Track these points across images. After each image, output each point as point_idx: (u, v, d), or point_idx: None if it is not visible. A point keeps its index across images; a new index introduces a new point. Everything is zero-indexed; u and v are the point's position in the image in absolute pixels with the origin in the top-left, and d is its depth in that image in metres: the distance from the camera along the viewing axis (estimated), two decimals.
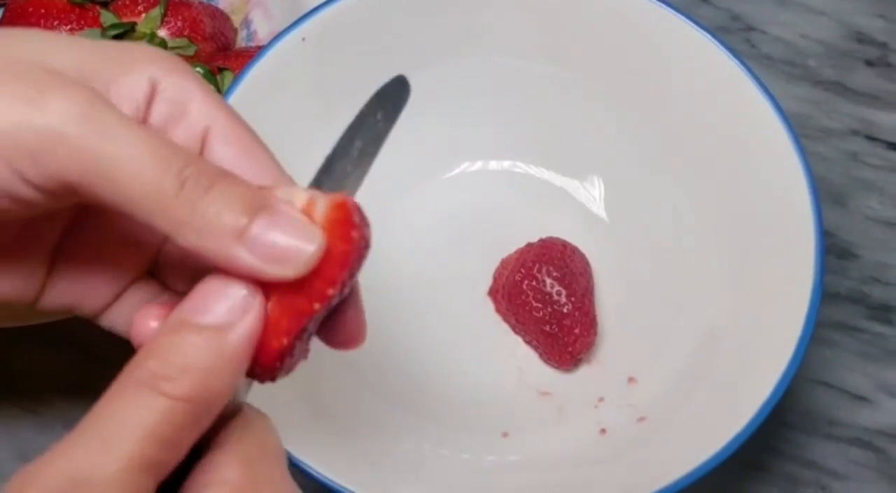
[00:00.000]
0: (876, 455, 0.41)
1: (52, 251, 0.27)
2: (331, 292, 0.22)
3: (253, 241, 0.22)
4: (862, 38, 0.51)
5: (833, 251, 0.45)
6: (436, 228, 0.43)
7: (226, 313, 0.22)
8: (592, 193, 0.43)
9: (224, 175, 0.23)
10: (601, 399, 0.39)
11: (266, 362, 0.23)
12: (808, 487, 0.41)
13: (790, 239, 0.35)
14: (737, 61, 0.37)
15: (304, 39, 0.39)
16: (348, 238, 0.22)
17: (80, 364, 0.44)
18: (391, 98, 0.26)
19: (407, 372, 0.40)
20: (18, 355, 0.44)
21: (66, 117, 0.22)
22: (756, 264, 0.37)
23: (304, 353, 0.24)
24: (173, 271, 0.28)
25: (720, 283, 0.38)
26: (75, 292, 0.27)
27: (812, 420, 0.42)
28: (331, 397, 0.37)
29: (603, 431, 0.37)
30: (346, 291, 0.23)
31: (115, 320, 0.28)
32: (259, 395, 0.25)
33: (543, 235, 0.41)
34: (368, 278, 0.41)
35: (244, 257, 0.22)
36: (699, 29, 0.38)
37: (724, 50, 0.37)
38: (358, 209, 0.23)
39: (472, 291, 0.42)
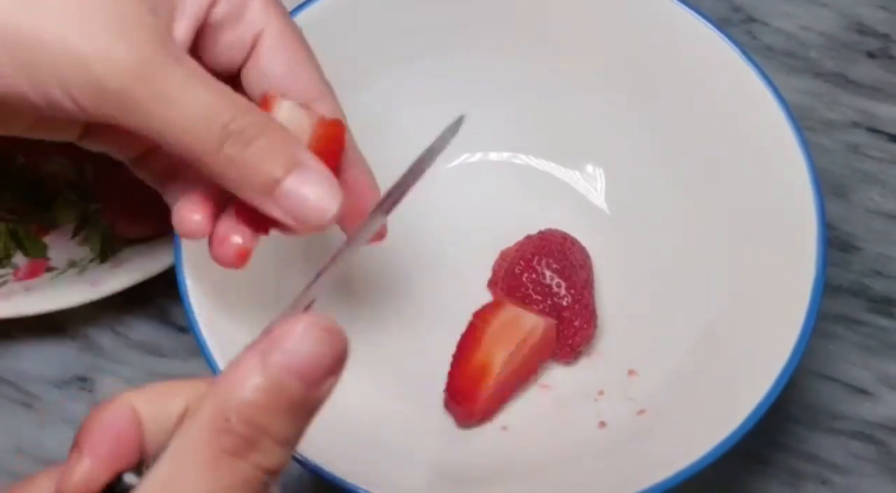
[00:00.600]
0: (877, 449, 0.41)
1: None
2: None
3: (281, 197, 0.24)
4: (863, 30, 0.51)
5: (834, 244, 0.45)
6: (435, 219, 0.42)
7: (324, 376, 0.21)
8: (593, 185, 0.42)
9: (265, 129, 0.25)
10: (601, 392, 0.38)
11: None
12: (809, 480, 0.41)
13: (792, 231, 0.35)
14: (739, 52, 0.37)
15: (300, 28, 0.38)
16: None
17: (78, 357, 0.44)
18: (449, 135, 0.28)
19: (405, 365, 0.40)
20: (15, 348, 0.44)
21: (129, 70, 0.23)
22: (758, 256, 0.37)
23: None
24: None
25: (721, 275, 0.38)
26: (110, 145, 0.29)
27: (813, 414, 0.42)
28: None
29: (602, 424, 0.37)
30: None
31: (148, 169, 0.30)
32: None
33: (543, 227, 0.41)
34: (366, 270, 0.42)
35: (273, 210, 0.25)
36: (701, 19, 0.38)
37: (727, 41, 0.37)
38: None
39: (471, 283, 0.41)
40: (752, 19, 0.51)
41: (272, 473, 0.21)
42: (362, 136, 0.41)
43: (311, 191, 0.24)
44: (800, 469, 0.41)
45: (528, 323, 0.37)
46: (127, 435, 0.22)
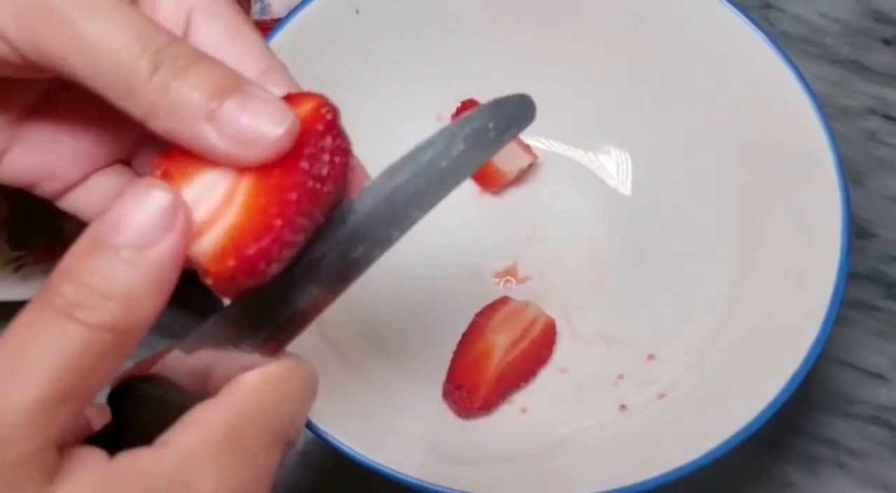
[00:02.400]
0: (892, 433, 0.41)
1: (23, 115, 0.26)
2: (305, 181, 0.21)
3: (221, 122, 0.21)
4: (879, 17, 0.51)
5: (851, 230, 0.45)
6: (448, 207, 0.42)
7: (145, 231, 0.20)
8: (612, 168, 0.42)
9: (201, 57, 0.22)
10: (621, 376, 0.38)
11: (241, 266, 0.21)
12: (826, 465, 0.41)
13: (816, 219, 0.35)
14: (765, 38, 0.37)
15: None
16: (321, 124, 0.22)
17: None
18: (509, 114, 0.24)
19: (425, 350, 0.40)
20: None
21: None
22: (780, 243, 0.37)
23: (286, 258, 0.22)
24: (149, 161, 0.26)
25: (743, 261, 0.38)
26: (40, 163, 0.26)
27: (831, 399, 0.42)
28: (355, 376, 0.37)
29: (623, 407, 0.37)
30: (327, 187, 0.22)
31: (78, 202, 0.27)
32: None
33: (561, 209, 0.41)
34: (388, 257, 0.41)
35: (213, 139, 0.21)
36: (726, 4, 0.37)
37: (752, 26, 0.37)
38: (334, 110, 0.22)
39: (486, 266, 0.41)
40: (768, 5, 0.51)
41: (118, 331, 0.20)
42: (378, 122, 0.42)
43: (254, 113, 0.21)
44: (817, 454, 0.41)
45: (531, 314, 0.38)
46: None
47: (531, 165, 0.42)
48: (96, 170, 0.27)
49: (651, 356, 0.39)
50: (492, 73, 0.42)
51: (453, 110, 0.43)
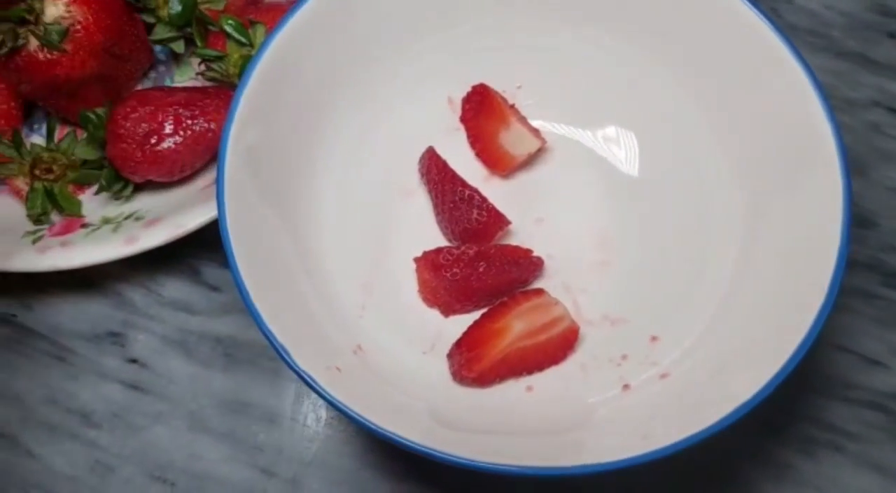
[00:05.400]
0: (888, 418, 0.42)
1: None
2: None
3: None
4: (885, 11, 0.51)
5: (853, 220, 0.46)
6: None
7: None
8: (618, 150, 0.43)
9: None
10: (624, 357, 0.39)
11: None
12: (823, 448, 0.42)
13: (817, 205, 0.36)
14: (773, 29, 0.37)
15: None
16: None
17: (111, 313, 0.45)
18: None
19: (432, 327, 0.40)
20: (50, 303, 0.45)
21: None
22: (782, 230, 0.37)
23: None
24: None
25: (745, 246, 0.38)
26: None
27: (830, 384, 0.43)
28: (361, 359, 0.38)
29: (626, 386, 0.38)
30: None
31: None
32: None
33: (569, 191, 0.41)
34: (394, 240, 0.42)
35: None
36: None
37: (761, 16, 0.37)
38: None
39: None
40: None
41: None
42: (391, 105, 0.42)
43: None
44: (815, 437, 0.42)
45: (556, 312, 0.39)
46: None
47: (540, 150, 0.43)
48: None
49: (654, 338, 0.39)
50: (501, 57, 0.43)
51: (463, 94, 0.43)
